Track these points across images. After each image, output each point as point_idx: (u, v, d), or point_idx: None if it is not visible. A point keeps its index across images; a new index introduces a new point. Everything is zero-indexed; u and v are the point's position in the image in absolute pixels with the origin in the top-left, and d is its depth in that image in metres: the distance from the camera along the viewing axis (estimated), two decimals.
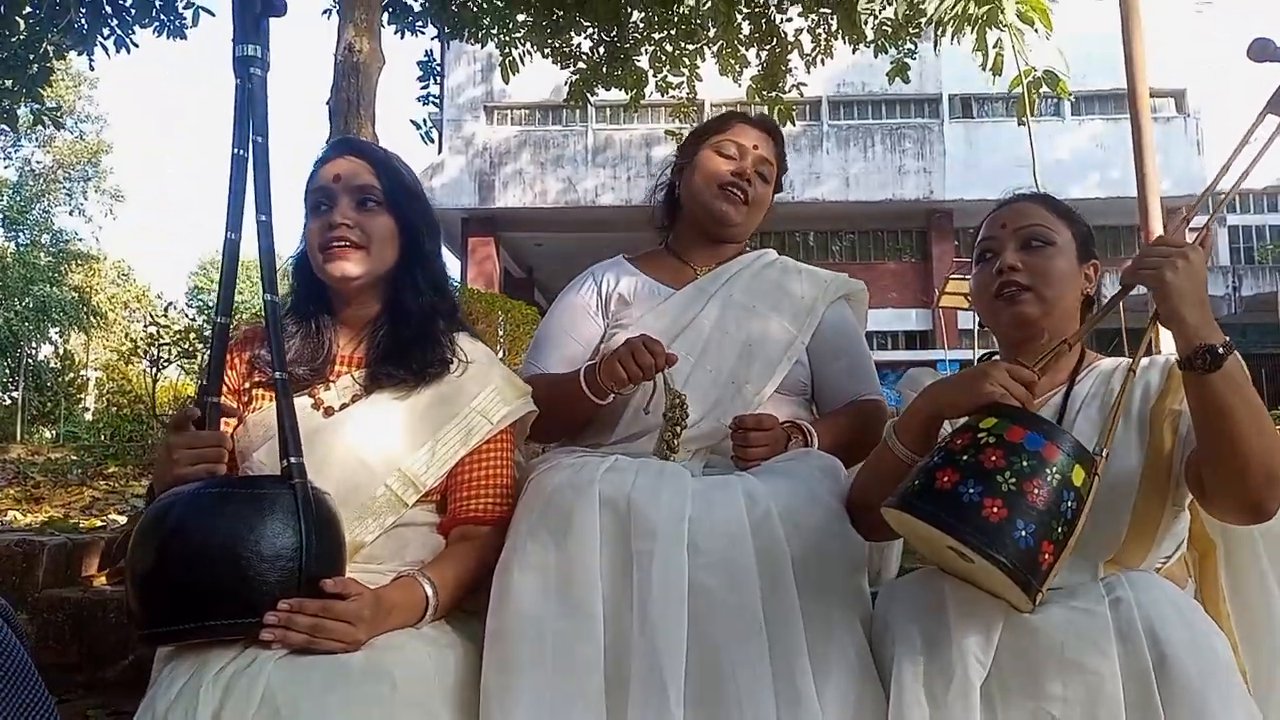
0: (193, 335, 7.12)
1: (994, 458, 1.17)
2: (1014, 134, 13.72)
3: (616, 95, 6.49)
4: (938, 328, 19.12)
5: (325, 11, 5.86)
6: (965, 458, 1.19)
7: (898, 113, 21.72)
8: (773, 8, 5.83)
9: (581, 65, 6.20)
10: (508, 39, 5.98)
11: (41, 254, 27.35)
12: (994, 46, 4.43)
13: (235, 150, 1.34)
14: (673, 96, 6.40)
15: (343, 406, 1.50)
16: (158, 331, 7.14)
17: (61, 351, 26.54)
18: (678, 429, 1.64)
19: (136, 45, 5.68)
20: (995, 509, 1.14)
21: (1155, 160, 4.12)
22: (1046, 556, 1.15)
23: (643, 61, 6.17)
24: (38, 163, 28.19)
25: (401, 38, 6.19)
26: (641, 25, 5.97)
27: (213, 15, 5.59)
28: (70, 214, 29.23)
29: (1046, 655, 1.19)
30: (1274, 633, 1.39)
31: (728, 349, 1.79)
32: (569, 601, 1.33)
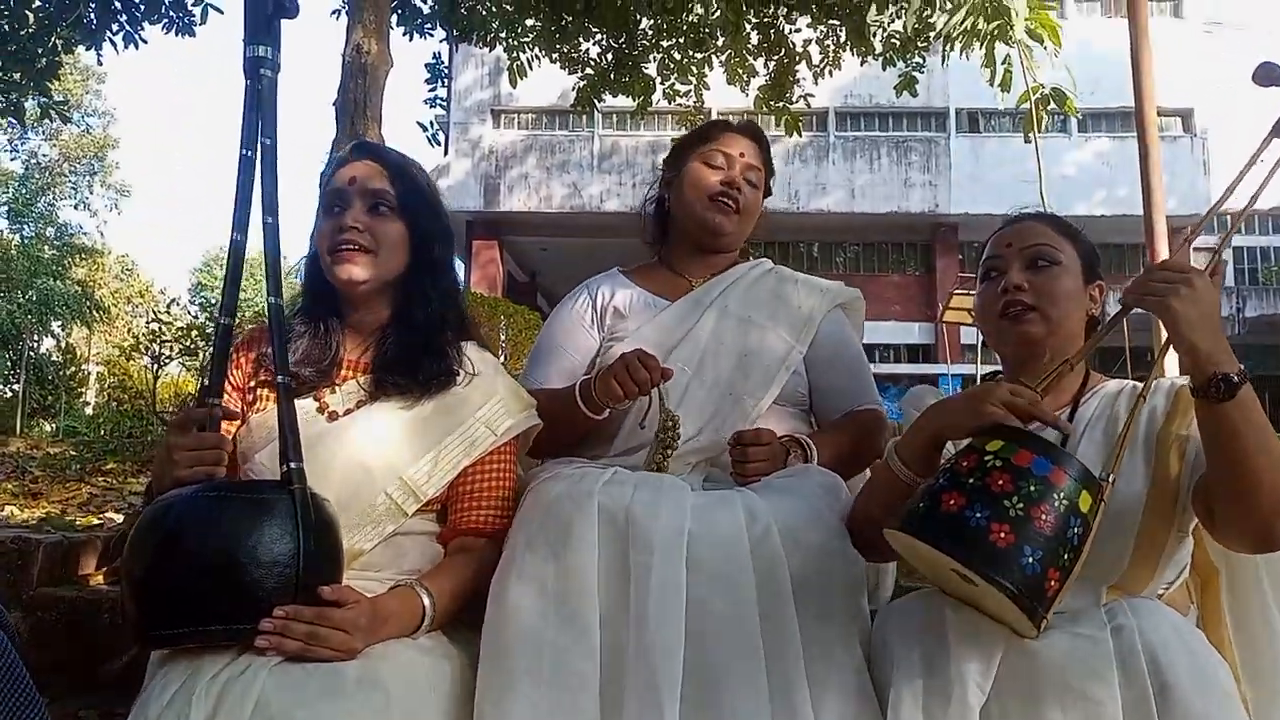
0: (195, 333, 7.13)
1: (1001, 482, 1.16)
2: (1020, 149, 13.71)
3: (623, 102, 6.49)
4: (940, 342, 19.11)
5: (334, 12, 5.86)
6: (971, 481, 1.18)
7: (904, 125, 21.76)
8: (781, 18, 5.84)
9: (589, 71, 6.20)
10: (516, 43, 5.99)
11: (46, 247, 27.41)
12: (1003, 62, 4.44)
13: (243, 151, 1.33)
14: (680, 104, 6.41)
15: (347, 411, 1.49)
16: (160, 328, 7.15)
17: (63, 345, 26.53)
18: (668, 450, 1.62)
19: (145, 41, 5.68)
20: (1002, 534, 1.13)
21: (1162, 179, 4.11)
22: (1052, 583, 1.13)
23: (650, 69, 6.17)
24: (44, 156, 28.35)
25: (410, 39, 6.18)
26: (650, 33, 5.97)
27: (221, 13, 5.59)
28: (75, 208, 29.28)
29: (1047, 682, 1.18)
30: (1276, 660, 1.38)
31: (725, 360, 1.78)
32: (566, 613, 1.32)
